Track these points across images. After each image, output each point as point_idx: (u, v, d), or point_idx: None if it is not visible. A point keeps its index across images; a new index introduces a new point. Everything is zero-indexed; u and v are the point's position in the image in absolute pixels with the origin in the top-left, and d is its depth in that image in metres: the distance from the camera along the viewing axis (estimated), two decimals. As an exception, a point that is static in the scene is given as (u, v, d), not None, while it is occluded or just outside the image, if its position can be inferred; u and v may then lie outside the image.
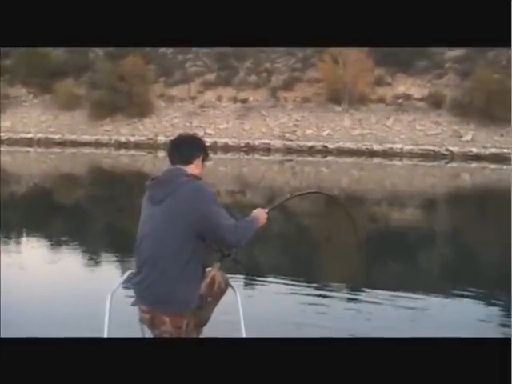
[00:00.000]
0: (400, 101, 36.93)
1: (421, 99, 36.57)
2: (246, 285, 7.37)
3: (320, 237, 11.73)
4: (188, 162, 3.87)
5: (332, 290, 7.45)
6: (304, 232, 12.10)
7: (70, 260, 8.95)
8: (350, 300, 7.04)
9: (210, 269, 3.98)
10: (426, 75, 37.65)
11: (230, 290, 4.16)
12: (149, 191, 3.82)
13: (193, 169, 3.87)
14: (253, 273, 7.80)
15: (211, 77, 42.00)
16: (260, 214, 4.08)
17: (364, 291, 7.38)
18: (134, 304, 3.84)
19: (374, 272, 8.67)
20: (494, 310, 6.71)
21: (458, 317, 6.44)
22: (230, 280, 4.19)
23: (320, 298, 7.04)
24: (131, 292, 3.87)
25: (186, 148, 3.91)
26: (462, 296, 7.23)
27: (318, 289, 7.47)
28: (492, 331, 5.88)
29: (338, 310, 6.60)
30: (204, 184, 3.78)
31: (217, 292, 4.03)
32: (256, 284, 7.52)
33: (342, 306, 6.81)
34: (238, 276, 7.02)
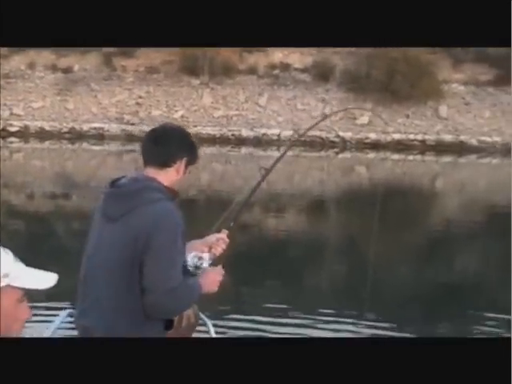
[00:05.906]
0: (276, 72, 37.49)
1: (303, 70, 37.31)
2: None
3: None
4: (166, 164, 3.82)
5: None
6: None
7: None
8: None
9: None
10: (310, 38, 38.45)
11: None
12: (103, 202, 3.80)
13: (171, 175, 3.84)
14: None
15: (20, 37, 40.99)
16: (211, 280, 3.94)
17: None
18: None
19: (247, 298, 8.78)
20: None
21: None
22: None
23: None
24: None
25: (167, 144, 3.83)
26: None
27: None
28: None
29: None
30: (174, 209, 3.74)
31: (185, 328, 4.07)
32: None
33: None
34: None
